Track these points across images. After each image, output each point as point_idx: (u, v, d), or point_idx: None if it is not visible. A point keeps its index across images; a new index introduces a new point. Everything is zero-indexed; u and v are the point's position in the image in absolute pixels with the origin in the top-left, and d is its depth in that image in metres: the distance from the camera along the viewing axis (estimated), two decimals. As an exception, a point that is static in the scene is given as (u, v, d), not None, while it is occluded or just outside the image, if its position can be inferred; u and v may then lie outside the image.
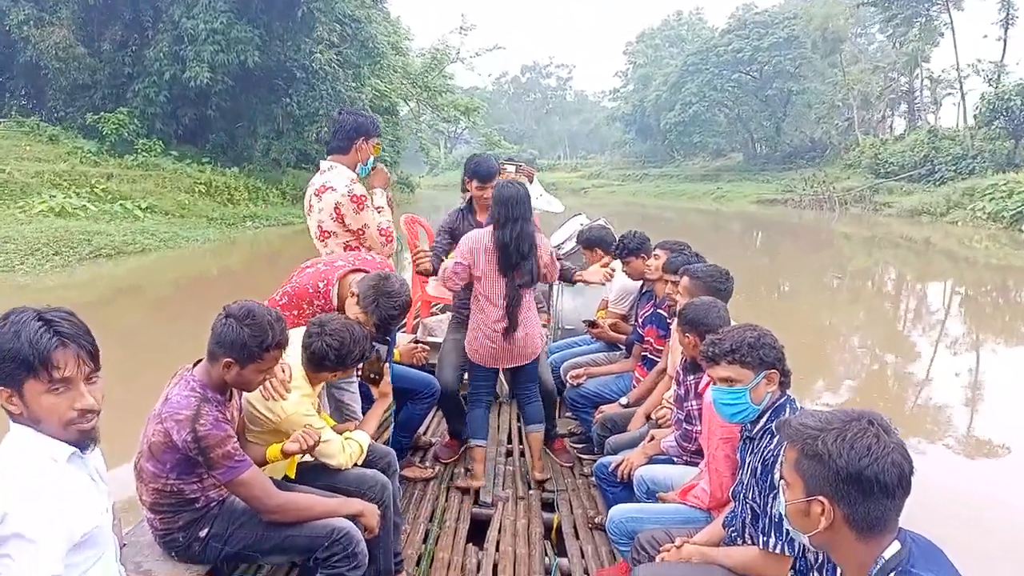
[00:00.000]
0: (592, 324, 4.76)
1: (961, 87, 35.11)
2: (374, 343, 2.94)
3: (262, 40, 23.73)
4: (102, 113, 22.55)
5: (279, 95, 25.52)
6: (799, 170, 45.91)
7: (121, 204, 17.37)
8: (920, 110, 43.61)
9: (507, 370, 4.12)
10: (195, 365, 2.34)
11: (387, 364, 3.19)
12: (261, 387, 2.50)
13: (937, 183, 31.88)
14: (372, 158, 3.67)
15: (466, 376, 4.22)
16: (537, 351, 3.97)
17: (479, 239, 3.75)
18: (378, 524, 2.57)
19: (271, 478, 2.46)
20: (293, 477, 2.68)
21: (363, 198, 3.49)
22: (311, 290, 3.09)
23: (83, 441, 1.60)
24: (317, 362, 2.67)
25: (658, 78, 63.58)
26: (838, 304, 13.68)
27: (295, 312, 3.07)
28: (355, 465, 2.79)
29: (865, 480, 1.37)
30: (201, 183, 21.68)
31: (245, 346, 2.21)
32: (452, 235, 4.25)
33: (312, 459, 2.74)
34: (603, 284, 4.62)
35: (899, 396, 8.03)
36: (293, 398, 2.65)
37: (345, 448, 2.75)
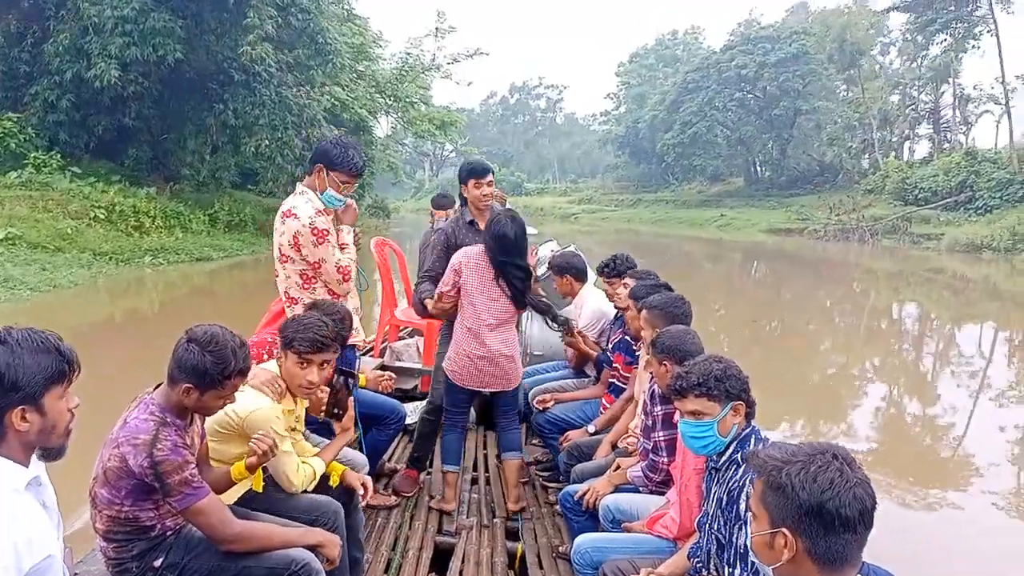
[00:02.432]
0: (568, 332, 4.40)
1: (1007, 102, 31.25)
2: (340, 374, 3.01)
3: (188, 33, 19.49)
4: (-17, 121, 18.25)
5: (214, 101, 21.24)
6: (808, 196, 42.38)
7: (-43, 235, 12.93)
8: (947, 130, 39.74)
9: (489, 395, 4.01)
10: (156, 388, 2.28)
11: (351, 399, 3.09)
12: (261, 383, 2.66)
13: (979, 211, 27.93)
14: (330, 191, 3.49)
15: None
16: (520, 378, 3.97)
17: (471, 253, 3.76)
18: (339, 555, 2.49)
19: (228, 505, 2.39)
20: (260, 490, 2.65)
21: (325, 232, 3.41)
22: None
23: (63, 447, 1.67)
24: (287, 344, 2.68)
25: (654, 97, 60.14)
26: (904, 366, 10.76)
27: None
28: (306, 492, 2.76)
29: (826, 513, 1.38)
30: (100, 207, 17.27)
31: (206, 373, 2.16)
32: (448, 249, 4.05)
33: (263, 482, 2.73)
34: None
35: (932, 447, 7.42)
36: (252, 400, 2.61)
37: (300, 469, 2.72)
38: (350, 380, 3.08)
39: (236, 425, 2.62)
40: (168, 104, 22.05)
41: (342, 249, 3.57)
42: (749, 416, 2.30)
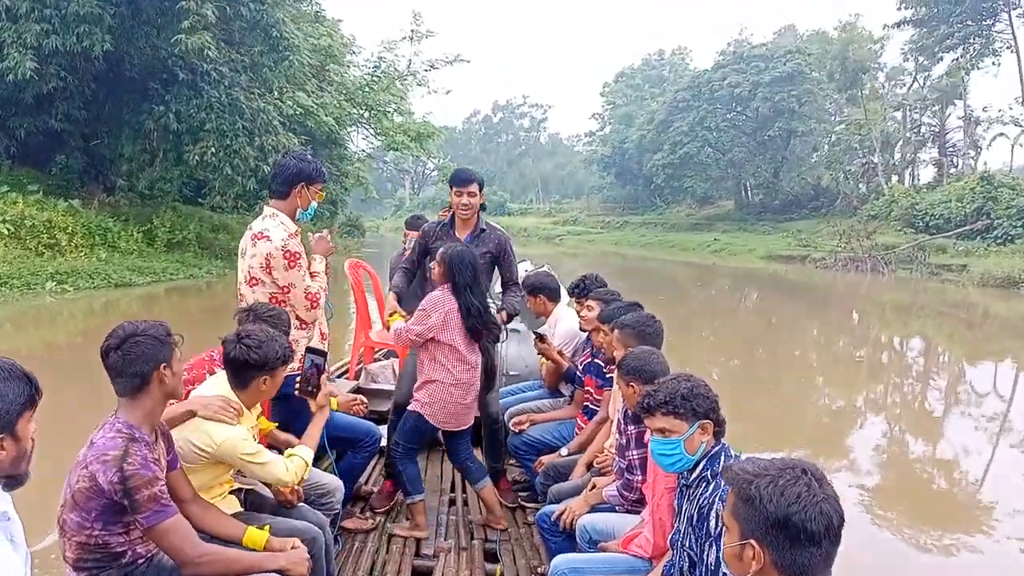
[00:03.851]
0: (541, 338, 4.54)
1: (1029, 124, 29.26)
2: (311, 355, 3.04)
3: (122, 23, 16.91)
4: None
5: (155, 103, 18.60)
6: (803, 220, 40.40)
7: None
8: (954, 154, 37.79)
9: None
10: (116, 412, 2.27)
11: (325, 377, 3.07)
12: (214, 413, 2.57)
13: (999, 241, 25.81)
14: (313, 203, 3.58)
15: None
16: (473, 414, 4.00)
17: (444, 301, 3.71)
18: (308, 568, 2.46)
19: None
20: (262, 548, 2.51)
21: (297, 256, 3.41)
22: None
23: (28, 473, 1.67)
24: (239, 367, 2.65)
25: (641, 117, 58.35)
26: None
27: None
28: (302, 481, 2.82)
29: (792, 526, 1.41)
30: (5, 221, 14.56)
31: (163, 343, 2.21)
32: (426, 250, 4.27)
33: (250, 487, 2.93)
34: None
35: (947, 489, 6.73)
36: (217, 429, 2.57)
37: (288, 466, 2.71)
38: (318, 357, 3.03)
39: (209, 454, 2.57)
40: (103, 105, 19.42)
41: (312, 277, 3.54)
42: (719, 434, 2.31)
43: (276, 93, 20.69)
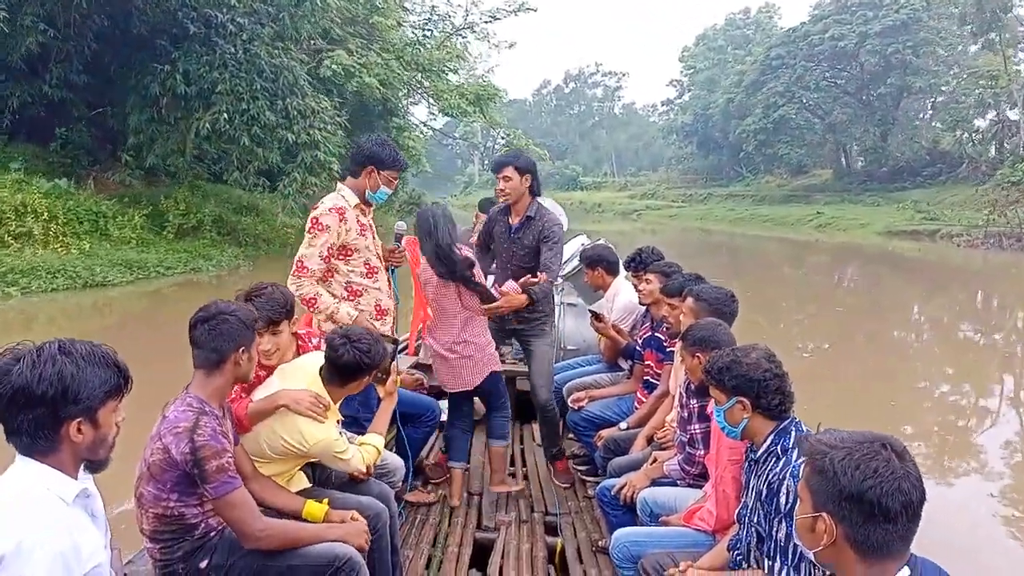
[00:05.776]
0: (597, 316, 4.54)
1: None
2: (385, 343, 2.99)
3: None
4: None
5: (162, 63, 15.69)
6: (917, 190, 35.35)
7: None
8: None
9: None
10: (188, 386, 2.32)
11: (394, 363, 3.08)
12: (305, 410, 2.56)
13: None
14: (384, 189, 3.50)
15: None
16: (481, 376, 3.89)
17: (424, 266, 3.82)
18: (365, 541, 2.49)
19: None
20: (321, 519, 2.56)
21: (322, 227, 3.31)
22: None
23: (108, 460, 1.67)
24: (351, 372, 2.66)
25: (727, 79, 53.37)
26: None
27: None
28: (350, 493, 2.82)
29: (866, 502, 1.36)
30: (-31, 207, 11.87)
31: (248, 328, 2.26)
32: (490, 236, 4.35)
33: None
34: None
35: None
36: (312, 428, 2.60)
37: (364, 456, 2.79)
38: (390, 345, 2.98)
39: (303, 452, 2.61)
40: (108, 68, 16.64)
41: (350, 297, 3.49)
42: (773, 413, 2.20)
43: (308, 50, 17.59)
